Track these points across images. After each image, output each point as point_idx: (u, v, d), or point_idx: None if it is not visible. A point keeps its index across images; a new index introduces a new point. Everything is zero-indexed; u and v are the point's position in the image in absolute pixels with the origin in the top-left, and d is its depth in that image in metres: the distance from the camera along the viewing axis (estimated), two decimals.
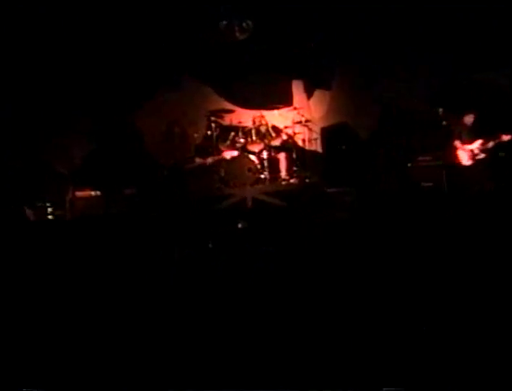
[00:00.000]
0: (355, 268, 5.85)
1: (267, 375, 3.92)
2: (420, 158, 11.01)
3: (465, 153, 10.42)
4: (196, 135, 11.44)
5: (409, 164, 11.04)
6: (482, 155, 10.27)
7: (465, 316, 4.47)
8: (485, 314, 4.47)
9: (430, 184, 10.69)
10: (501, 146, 10.15)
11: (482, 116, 10.48)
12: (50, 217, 10.30)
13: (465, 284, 5.09)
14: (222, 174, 10.91)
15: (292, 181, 11.24)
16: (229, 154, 11.02)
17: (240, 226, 9.23)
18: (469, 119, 10.49)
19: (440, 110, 10.58)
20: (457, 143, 10.51)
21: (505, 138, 9.99)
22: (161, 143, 11.69)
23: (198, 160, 11.00)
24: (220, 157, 10.95)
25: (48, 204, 10.35)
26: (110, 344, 4.48)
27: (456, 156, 10.52)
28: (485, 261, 5.58)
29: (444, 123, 10.57)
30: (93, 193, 10.64)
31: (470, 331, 4.22)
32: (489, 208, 8.35)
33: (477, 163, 10.32)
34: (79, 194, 10.66)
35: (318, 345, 4.25)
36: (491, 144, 10.15)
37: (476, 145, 10.31)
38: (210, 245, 7.73)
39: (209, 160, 10.94)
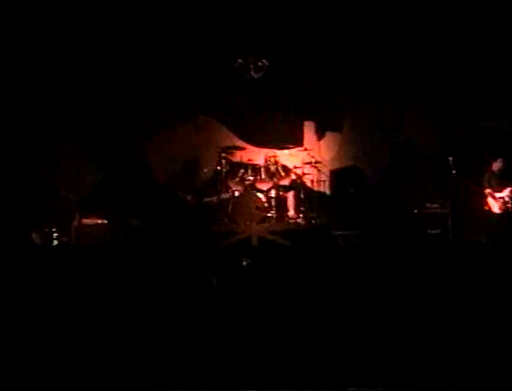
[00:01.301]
0: (358, 312, 5.84)
1: None
2: (427, 205, 11.04)
3: (496, 201, 10.48)
4: (205, 170, 11.50)
5: (416, 211, 11.06)
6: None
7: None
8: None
9: (437, 231, 10.70)
10: None
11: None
12: (55, 242, 10.32)
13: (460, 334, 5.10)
14: (229, 211, 10.94)
15: (299, 221, 11.23)
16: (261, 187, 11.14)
17: (244, 263, 9.21)
18: (498, 165, 10.55)
19: (450, 159, 10.63)
20: (488, 191, 10.56)
21: None
22: (176, 177, 11.76)
23: (218, 195, 11.07)
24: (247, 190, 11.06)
25: (54, 230, 10.38)
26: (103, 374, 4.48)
27: (485, 204, 10.57)
28: (483, 312, 5.60)
29: (454, 172, 10.60)
30: (99, 221, 10.66)
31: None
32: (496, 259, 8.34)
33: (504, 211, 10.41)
34: (86, 221, 10.68)
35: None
36: None
37: (506, 192, 10.39)
38: (214, 282, 7.71)
39: (227, 195, 11.01)
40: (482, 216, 10.71)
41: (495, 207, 10.51)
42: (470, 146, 11.43)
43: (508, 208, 10.40)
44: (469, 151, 11.27)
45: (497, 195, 10.49)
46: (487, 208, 10.64)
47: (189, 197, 11.14)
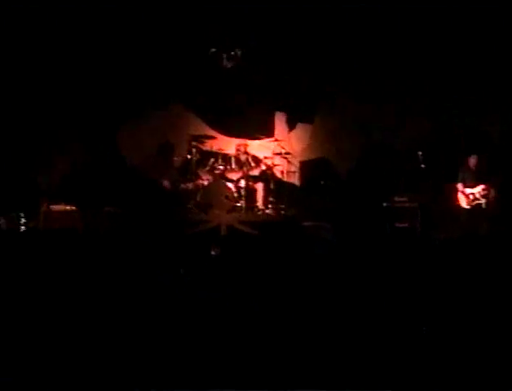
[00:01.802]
0: (326, 302, 5.85)
1: None
2: (396, 198, 11.10)
3: (466, 196, 10.56)
4: (175, 159, 11.44)
5: (385, 204, 11.12)
6: (482, 201, 10.42)
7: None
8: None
9: (405, 225, 10.78)
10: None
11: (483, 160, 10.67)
12: (22, 227, 10.19)
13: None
14: (198, 199, 10.90)
15: (267, 211, 11.23)
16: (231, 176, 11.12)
17: (213, 252, 9.18)
18: (472, 161, 10.63)
19: (420, 153, 10.68)
20: (459, 186, 10.65)
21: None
22: (148, 163, 11.69)
23: (195, 182, 11.00)
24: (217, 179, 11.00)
25: (22, 215, 10.24)
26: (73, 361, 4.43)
27: (455, 199, 10.66)
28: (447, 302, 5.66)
29: (423, 166, 10.66)
30: (68, 207, 10.55)
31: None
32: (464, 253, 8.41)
33: (474, 206, 10.48)
34: (54, 207, 10.56)
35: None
36: (491, 190, 10.34)
37: (478, 189, 10.47)
38: (182, 271, 7.67)
39: (205, 182, 10.96)
40: (451, 211, 10.80)
41: (464, 203, 10.61)
42: (442, 141, 11.51)
43: (478, 204, 10.48)
44: (439, 147, 11.33)
45: (468, 191, 10.57)
46: (456, 203, 10.72)
47: (166, 182, 11.01)
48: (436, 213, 10.95)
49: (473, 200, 10.53)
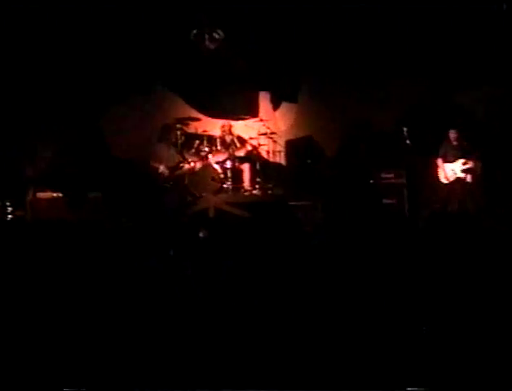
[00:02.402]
0: (315, 282, 5.87)
1: None
2: (382, 175, 11.12)
3: (446, 171, 10.55)
4: (156, 143, 11.39)
5: (372, 181, 11.14)
6: (462, 175, 10.42)
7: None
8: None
9: (393, 201, 10.81)
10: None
11: (466, 136, 10.65)
12: (9, 216, 10.13)
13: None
14: (186, 182, 10.88)
15: (254, 192, 11.23)
16: (216, 159, 11.03)
17: (201, 235, 9.18)
18: (453, 135, 10.62)
19: (405, 129, 10.66)
20: (439, 161, 10.64)
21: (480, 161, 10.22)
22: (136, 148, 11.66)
23: (187, 166, 10.96)
24: (207, 162, 10.95)
25: (8, 204, 10.18)
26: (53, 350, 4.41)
27: (436, 175, 10.67)
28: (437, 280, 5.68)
29: (408, 142, 10.65)
30: (54, 195, 10.48)
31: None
32: (449, 228, 8.45)
33: (453, 181, 10.48)
34: (40, 195, 10.50)
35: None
36: (471, 164, 10.32)
37: (458, 164, 10.46)
38: (171, 253, 7.68)
39: (198, 165, 10.92)
40: (434, 186, 10.81)
41: (444, 178, 10.60)
42: (426, 117, 11.51)
43: (458, 179, 10.49)
44: (424, 122, 11.32)
45: (448, 166, 10.58)
46: (437, 179, 10.73)
47: (161, 168, 10.93)
48: (421, 189, 10.96)
49: (453, 175, 10.53)
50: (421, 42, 11.16)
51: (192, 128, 11.58)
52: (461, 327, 4.58)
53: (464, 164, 10.39)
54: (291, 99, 12.40)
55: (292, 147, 12.23)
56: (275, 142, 11.84)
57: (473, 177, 10.41)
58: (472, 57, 11.14)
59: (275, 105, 12.44)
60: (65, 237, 7.98)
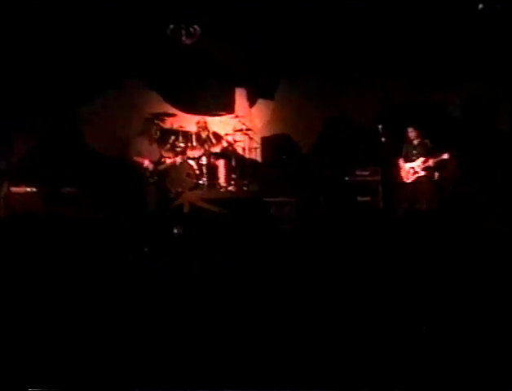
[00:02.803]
0: (289, 279, 5.88)
1: None
2: (358, 172, 11.18)
3: (406, 170, 10.56)
4: (137, 138, 11.31)
5: (347, 178, 11.19)
6: (422, 173, 10.41)
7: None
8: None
9: (367, 199, 10.87)
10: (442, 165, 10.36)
11: (427, 135, 10.65)
12: None
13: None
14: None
15: (230, 188, 11.23)
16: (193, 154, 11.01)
17: (176, 231, 9.17)
18: (411, 134, 10.61)
19: (380, 127, 10.70)
20: (400, 161, 10.65)
21: (445, 156, 10.18)
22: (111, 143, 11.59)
23: (169, 161, 10.90)
24: (185, 157, 10.93)
25: None
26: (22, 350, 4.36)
27: (397, 173, 10.69)
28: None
29: (383, 139, 10.69)
30: (28, 189, 10.40)
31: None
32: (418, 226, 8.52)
33: (415, 181, 10.48)
34: (14, 189, 10.41)
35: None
36: (431, 162, 10.31)
37: (418, 163, 10.45)
38: (146, 249, 7.66)
39: (179, 159, 10.87)
40: (401, 185, 10.81)
41: (405, 177, 10.61)
42: (401, 115, 11.56)
43: (419, 178, 10.46)
44: (399, 120, 11.35)
45: (408, 165, 10.58)
46: (399, 178, 10.73)
47: (146, 162, 10.80)
48: (394, 187, 10.99)
49: (413, 174, 10.51)
50: (396, 41, 11.19)
51: (168, 123, 11.53)
52: (448, 326, 4.61)
53: (424, 162, 10.38)
54: (267, 96, 12.42)
55: (268, 143, 12.25)
56: (251, 138, 11.84)
57: (437, 175, 10.42)
58: (448, 56, 11.23)
59: (252, 102, 12.44)
60: (39, 232, 7.93)
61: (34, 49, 11.03)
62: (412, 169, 10.48)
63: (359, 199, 10.90)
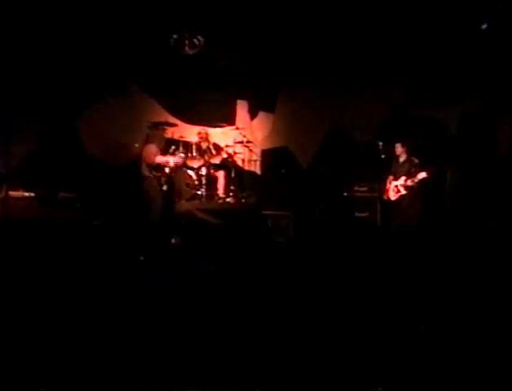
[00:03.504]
0: (286, 291, 5.88)
1: None
2: (356, 188, 11.19)
3: (392, 188, 10.51)
4: (136, 145, 11.31)
5: (345, 193, 11.20)
6: (403, 192, 10.29)
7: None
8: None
9: (365, 214, 10.86)
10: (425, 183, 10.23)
11: (415, 151, 10.59)
12: None
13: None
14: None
15: (228, 200, 11.22)
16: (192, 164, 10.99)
17: (173, 240, 9.16)
18: (398, 150, 10.54)
19: (380, 144, 10.67)
20: (390, 178, 10.61)
21: (421, 176, 10.04)
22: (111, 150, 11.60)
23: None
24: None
25: None
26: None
27: (385, 190, 10.65)
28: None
29: (383, 156, 10.67)
30: (26, 194, 10.40)
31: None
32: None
33: (401, 198, 10.38)
34: (12, 193, 10.42)
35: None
36: (410, 182, 10.21)
37: (401, 181, 10.35)
38: (142, 258, 7.66)
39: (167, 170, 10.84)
40: (389, 202, 10.71)
41: (391, 195, 10.51)
42: (402, 132, 11.55)
43: (402, 196, 10.29)
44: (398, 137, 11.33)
45: (394, 183, 10.44)
46: (387, 195, 10.65)
47: (171, 160, 10.65)
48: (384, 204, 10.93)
49: (396, 193, 10.37)
50: (395, 55, 11.23)
51: (169, 133, 11.53)
52: (445, 330, 4.62)
53: (405, 180, 10.21)
54: (268, 109, 12.47)
55: (267, 156, 12.28)
56: (251, 150, 11.87)
57: (419, 193, 10.29)
58: (447, 72, 11.28)
59: (253, 114, 12.49)
60: (37, 236, 7.93)
61: (35, 54, 11.06)
62: (395, 188, 10.41)
63: (357, 214, 10.91)
